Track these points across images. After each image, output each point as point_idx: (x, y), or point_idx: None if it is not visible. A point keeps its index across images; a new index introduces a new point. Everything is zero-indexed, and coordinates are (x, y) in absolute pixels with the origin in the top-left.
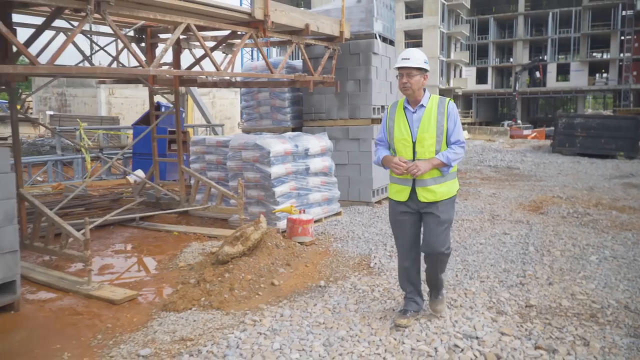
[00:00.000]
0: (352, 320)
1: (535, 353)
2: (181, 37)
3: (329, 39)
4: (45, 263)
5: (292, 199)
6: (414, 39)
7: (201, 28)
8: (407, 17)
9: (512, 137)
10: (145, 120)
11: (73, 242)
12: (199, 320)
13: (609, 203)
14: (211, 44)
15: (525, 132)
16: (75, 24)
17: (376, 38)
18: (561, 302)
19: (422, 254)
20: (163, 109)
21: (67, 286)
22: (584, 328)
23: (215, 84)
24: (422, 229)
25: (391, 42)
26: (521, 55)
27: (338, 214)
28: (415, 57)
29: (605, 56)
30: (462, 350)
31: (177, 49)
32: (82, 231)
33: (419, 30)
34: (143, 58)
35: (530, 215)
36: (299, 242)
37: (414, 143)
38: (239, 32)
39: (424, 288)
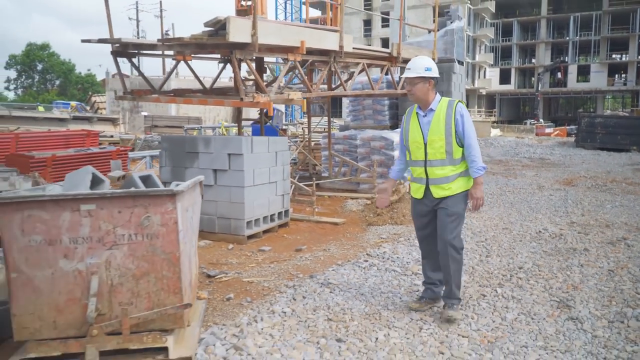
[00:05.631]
0: (476, 223)
1: (578, 234)
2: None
3: None
4: None
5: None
6: None
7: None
8: (434, 22)
9: (537, 134)
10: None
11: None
12: (396, 229)
13: (621, 180)
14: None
15: (547, 130)
16: None
17: (454, 61)
18: (589, 222)
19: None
20: (275, 112)
21: (299, 217)
22: (602, 229)
23: (339, 94)
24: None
25: (461, 63)
26: (543, 57)
27: None
28: (416, 66)
29: (624, 58)
30: (542, 233)
31: (330, 74)
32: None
33: None
34: (346, 84)
35: (565, 186)
36: None
37: (425, 145)
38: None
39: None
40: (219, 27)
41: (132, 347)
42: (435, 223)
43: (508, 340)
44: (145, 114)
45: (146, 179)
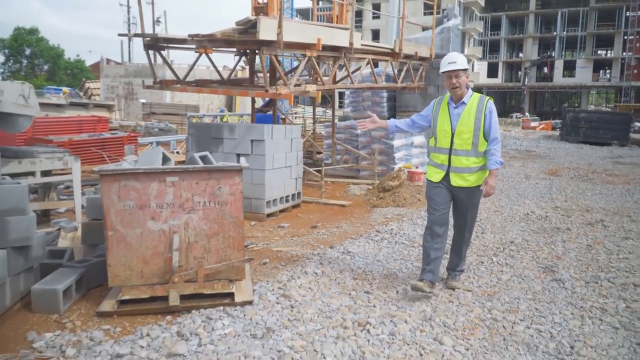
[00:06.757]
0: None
1: (562, 216)
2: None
3: (423, 59)
4: None
5: (403, 161)
6: None
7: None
8: (425, 14)
9: (523, 127)
10: (260, 109)
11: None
12: (399, 211)
13: (601, 171)
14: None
15: (533, 123)
16: None
17: None
18: (571, 207)
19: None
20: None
21: (308, 200)
22: (583, 213)
23: (347, 87)
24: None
25: None
26: (530, 51)
27: None
28: (460, 61)
29: (609, 54)
30: (530, 215)
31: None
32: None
33: None
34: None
35: (550, 176)
36: (417, 185)
37: (452, 134)
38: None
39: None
40: (249, 25)
41: (205, 292)
42: (449, 199)
43: (504, 294)
44: (144, 101)
45: (204, 158)
